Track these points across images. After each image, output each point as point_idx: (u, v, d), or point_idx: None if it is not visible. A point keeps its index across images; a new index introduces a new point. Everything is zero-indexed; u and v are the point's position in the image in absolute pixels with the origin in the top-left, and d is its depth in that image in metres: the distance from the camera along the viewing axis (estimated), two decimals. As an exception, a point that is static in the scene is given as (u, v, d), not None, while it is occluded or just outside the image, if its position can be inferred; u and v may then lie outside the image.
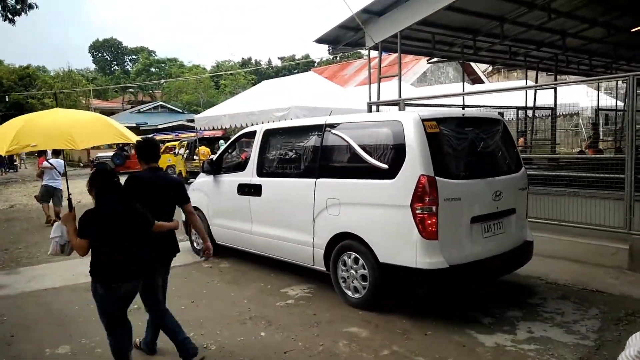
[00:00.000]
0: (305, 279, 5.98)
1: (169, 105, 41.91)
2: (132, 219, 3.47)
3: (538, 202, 6.89)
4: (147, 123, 36.25)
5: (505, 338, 4.17)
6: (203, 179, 7.39)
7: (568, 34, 11.23)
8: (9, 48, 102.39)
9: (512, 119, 13.23)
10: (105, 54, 79.33)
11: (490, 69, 30.48)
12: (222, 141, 21.49)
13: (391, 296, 4.94)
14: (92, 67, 72.35)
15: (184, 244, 9.21)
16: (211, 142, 22.90)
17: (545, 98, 13.23)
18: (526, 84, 13.94)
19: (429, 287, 4.59)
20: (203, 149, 20.36)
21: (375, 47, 9.35)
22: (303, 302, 5.23)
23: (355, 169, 5.07)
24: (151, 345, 4.20)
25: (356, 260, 4.96)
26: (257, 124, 10.27)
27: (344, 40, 10.04)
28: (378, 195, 4.76)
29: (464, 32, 10.46)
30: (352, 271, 5.01)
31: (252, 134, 6.57)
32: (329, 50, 10.20)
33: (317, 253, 5.40)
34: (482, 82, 27.94)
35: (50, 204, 10.94)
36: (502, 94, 12.01)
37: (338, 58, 46.27)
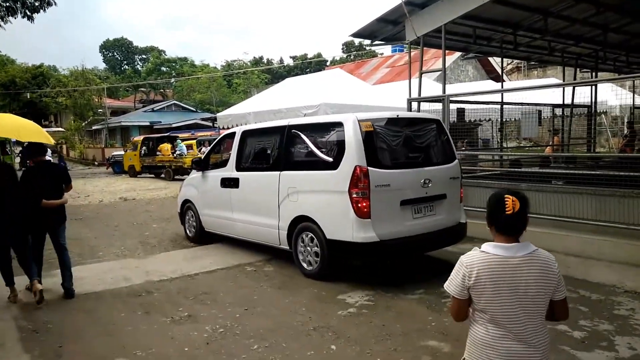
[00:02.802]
0: (361, 286, 5.62)
1: (182, 104, 41.67)
2: None
3: (603, 204, 6.48)
4: (160, 122, 36.03)
5: (607, 356, 3.76)
6: (193, 175, 8.44)
7: (609, 29, 10.79)
8: (18, 48, 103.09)
9: (548, 116, 12.80)
10: (115, 54, 79.35)
11: (509, 67, 30.01)
12: (178, 140, 23.04)
13: (337, 268, 5.91)
14: (102, 66, 72.33)
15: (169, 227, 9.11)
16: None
17: (569, 96, 12.66)
18: (564, 80, 13.48)
19: (363, 257, 5.88)
20: (165, 146, 22.34)
21: (416, 41, 8.97)
22: (366, 311, 4.85)
23: (309, 162, 6.12)
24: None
25: (311, 239, 5.92)
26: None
27: (382, 34, 9.68)
28: (325, 184, 5.76)
29: (504, 27, 10.07)
30: (308, 248, 5.99)
31: (233, 135, 7.53)
32: (367, 42, 9.80)
33: (281, 234, 6.38)
34: (503, 80, 27.44)
35: None
36: (534, 91, 11.61)
37: (352, 57, 45.91)
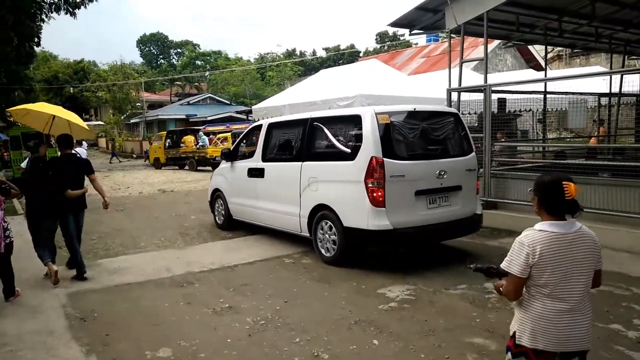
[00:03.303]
0: (401, 279, 5.54)
1: (217, 97, 42.17)
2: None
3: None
4: (196, 115, 36.57)
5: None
6: (222, 165, 8.81)
7: (662, 12, 10.21)
8: (60, 44, 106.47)
9: (591, 106, 12.28)
10: (152, 48, 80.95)
11: (550, 55, 28.96)
12: (201, 132, 24.20)
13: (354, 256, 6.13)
14: (139, 61, 73.92)
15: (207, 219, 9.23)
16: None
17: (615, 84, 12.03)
18: (611, 68, 12.90)
19: (377, 244, 6.02)
20: (189, 138, 23.12)
21: (456, 30, 8.73)
22: (408, 305, 4.77)
23: (329, 153, 6.35)
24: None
25: (330, 227, 6.18)
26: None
27: (421, 22, 9.48)
28: (343, 174, 6.01)
29: (548, 13, 9.68)
30: (327, 235, 6.25)
31: (260, 127, 7.86)
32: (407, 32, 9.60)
33: (302, 222, 6.63)
34: (543, 68, 26.52)
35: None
36: (577, 80, 11.11)
37: (386, 47, 45.38)
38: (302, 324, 4.40)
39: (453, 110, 6.85)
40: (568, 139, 16.94)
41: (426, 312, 4.59)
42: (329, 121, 6.54)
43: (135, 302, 5.15)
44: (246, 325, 4.42)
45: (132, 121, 42.97)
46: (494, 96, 8.92)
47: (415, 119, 6.06)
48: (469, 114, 11.42)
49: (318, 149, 6.58)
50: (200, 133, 23.94)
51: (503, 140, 9.46)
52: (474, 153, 6.47)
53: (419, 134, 5.99)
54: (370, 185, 5.61)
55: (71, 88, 45.78)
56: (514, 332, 2.43)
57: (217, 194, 8.82)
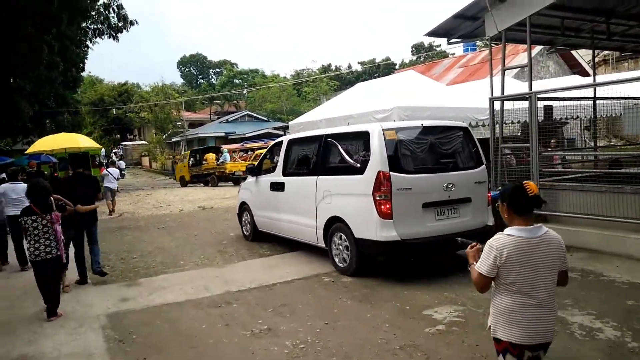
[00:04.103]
0: (447, 299, 5.25)
1: (254, 114, 42.74)
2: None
3: None
4: (235, 132, 37.11)
5: None
6: (248, 180, 9.21)
7: None
8: (104, 68, 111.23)
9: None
10: (191, 69, 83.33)
11: (595, 60, 27.84)
12: (223, 148, 25.75)
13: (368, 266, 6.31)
14: (179, 81, 76.13)
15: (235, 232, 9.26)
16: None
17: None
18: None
19: (386, 254, 6.23)
20: (210, 156, 24.31)
21: (497, 37, 8.41)
22: (457, 329, 4.48)
23: (341, 167, 6.62)
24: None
25: (343, 238, 6.43)
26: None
27: (459, 31, 9.21)
28: (353, 187, 6.27)
29: (595, 15, 9.21)
30: (340, 246, 6.51)
31: (281, 143, 8.22)
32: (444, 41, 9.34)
33: (319, 233, 6.89)
34: (588, 74, 25.51)
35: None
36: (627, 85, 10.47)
37: (422, 59, 44.97)
38: (344, 348, 4.18)
39: (462, 124, 6.99)
40: (618, 147, 16.10)
41: (477, 335, 4.27)
42: (341, 137, 6.82)
43: (174, 323, 5.07)
44: (285, 349, 4.24)
45: (173, 140, 44.07)
46: (540, 104, 8.50)
47: (423, 134, 6.29)
48: (512, 123, 11.00)
49: (332, 163, 6.88)
50: (223, 149, 25.06)
51: (550, 149, 8.99)
52: (484, 166, 6.61)
53: (427, 149, 6.21)
54: (377, 198, 5.86)
55: (115, 110, 47.50)
56: (489, 327, 2.73)
57: (244, 207, 9.24)
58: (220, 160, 23.87)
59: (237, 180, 22.39)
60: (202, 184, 24.32)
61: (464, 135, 6.57)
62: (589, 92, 9.98)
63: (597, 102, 10.21)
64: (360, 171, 6.14)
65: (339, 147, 6.68)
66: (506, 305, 2.61)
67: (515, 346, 2.59)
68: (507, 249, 2.53)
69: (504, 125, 8.86)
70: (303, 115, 16.38)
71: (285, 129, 23.58)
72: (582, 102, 10.15)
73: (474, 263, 2.69)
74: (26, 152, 19.29)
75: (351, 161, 6.40)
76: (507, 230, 2.62)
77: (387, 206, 5.81)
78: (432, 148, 6.25)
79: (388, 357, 3.97)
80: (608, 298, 5.09)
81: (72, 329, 5.03)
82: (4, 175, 11.20)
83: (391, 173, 5.84)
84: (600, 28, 9.75)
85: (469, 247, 2.82)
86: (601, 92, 10.24)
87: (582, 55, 26.67)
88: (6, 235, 8.23)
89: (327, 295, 5.70)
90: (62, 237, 5.57)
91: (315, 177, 6.99)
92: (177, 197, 18.96)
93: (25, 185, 7.54)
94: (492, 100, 8.49)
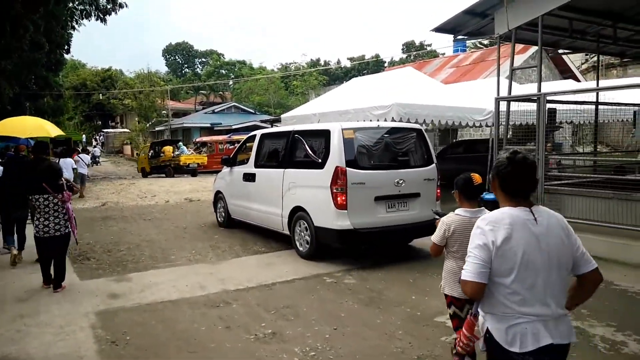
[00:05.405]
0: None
1: (241, 106, 42.11)
2: None
3: None
4: (221, 123, 36.50)
5: None
6: (224, 170, 9.73)
7: None
8: (88, 52, 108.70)
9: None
10: (177, 57, 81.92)
11: (584, 66, 28.06)
12: (180, 143, 26.74)
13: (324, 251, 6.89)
14: (164, 70, 74.65)
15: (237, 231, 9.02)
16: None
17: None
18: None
19: (341, 242, 6.66)
20: (168, 148, 25.33)
21: (505, 35, 8.21)
22: (474, 338, 4.23)
23: (305, 162, 7.15)
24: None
25: (304, 226, 7.00)
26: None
27: (466, 28, 8.99)
28: (315, 180, 6.83)
29: (603, 18, 9.08)
30: (302, 233, 7.08)
31: (254, 137, 8.76)
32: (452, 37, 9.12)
33: (284, 221, 7.47)
34: (578, 80, 25.67)
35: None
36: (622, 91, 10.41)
37: (412, 57, 44.84)
38: (358, 357, 3.92)
39: (416, 126, 7.63)
40: (605, 152, 16.14)
41: (497, 346, 4.04)
42: (307, 134, 7.38)
43: (170, 323, 4.73)
44: (295, 356, 3.95)
45: (157, 129, 43.21)
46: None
47: (379, 134, 6.91)
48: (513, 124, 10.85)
49: (297, 157, 7.41)
50: (180, 144, 26.41)
51: (554, 152, 8.85)
52: (434, 165, 7.18)
53: (381, 147, 6.84)
54: (334, 190, 6.45)
55: (100, 95, 46.33)
56: (440, 285, 3.43)
57: (219, 196, 9.84)
58: (177, 153, 24.95)
59: (193, 171, 24.10)
60: (164, 175, 24.74)
61: (417, 136, 7.17)
62: (597, 96, 9.87)
63: (584, 107, 10.08)
64: (321, 166, 6.73)
65: (304, 143, 7.19)
66: (451, 268, 3.30)
67: (458, 300, 3.24)
68: (454, 225, 3.23)
69: (499, 126, 8.64)
70: (296, 108, 16.01)
71: (273, 122, 23.25)
72: (578, 106, 10.03)
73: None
74: None
75: (314, 156, 6.94)
76: (456, 211, 3.28)
77: (343, 198, 6.41)
78: (387, 147, 6.88)
79: (406, 369, 3.71)
80: (625, 309, 4.93)
81: (59, 327, 4.64)
82: None
83: (347, 168, 6.43)
84: (607, 32, 9.64)
85: (439, 219, 3.41)
86: (601, 97, 10.17)
87: (573, 61, 26.87)
88: None
89: (331, 298, 5.42)
90: (73, 215, 5.96)
91: (283, 169, 7.53)
92: (162, 188, 18.44)
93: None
94: (497, 100, 8.29)
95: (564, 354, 2.15)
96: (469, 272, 2.11)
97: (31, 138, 14.46)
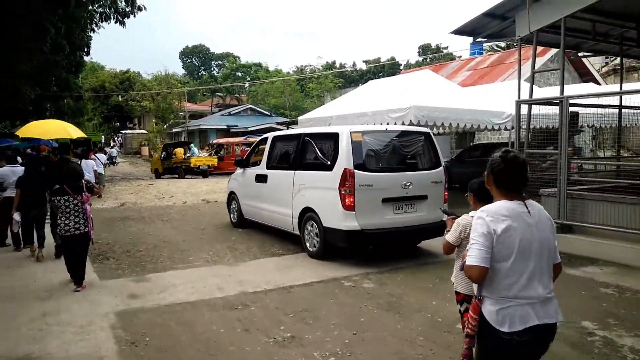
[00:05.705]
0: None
1: (257, 109, 42.28)
2: None
3: None
4: (237, 125, 36.68)
5: None
6: (237, 171, 9.94)
7: None
8: (106, 55, 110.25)
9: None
10: (194, 60, 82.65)
11: (604, 69, 27.62)
12: (192, 145, 27.72)
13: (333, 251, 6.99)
14: (181, 72, 75.32)
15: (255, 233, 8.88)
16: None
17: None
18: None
19: (348, 242, 6.78)
20: (179, 150, 25.84)
21: (527, 38, 8.09)
22: (497, 345, 4.15)
23: (314, 164, 7.31)
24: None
25: (314, 226, 7.13)
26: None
27: (486, 30, 8.88)
28: (324, 181, 6.95)
29: (626, 20, 8.91)
30: (312, 233, 7.23)
31: (266, 139, 9.00)
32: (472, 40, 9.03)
33: (294, 222, 7.61)
34: (598, 83, 25.25)
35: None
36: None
37: (429, 60, 44.62)
38: (379, 363, 3.86)
39: (425, 130, 7.69)
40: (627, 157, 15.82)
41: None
42: (316, 137, 7.56)
43: (189, 326, 4.72)
44: (314, 361, 3.91)
45: (174, 130, 43.59)
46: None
47: (387, 137, 7.05)
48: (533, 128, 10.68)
49: (307, 160, 7.57)
50: (192, 145, 27.21)
51: (576, 157, 8.69)
52: (441, 167, 7.26)
53: (389, 150, 6.98)
54: (342, 192, 6.58)
55: (119, 96, 46.88)
56: (453, 283, 3.49)
57: (232, 196, 10.04)
58: (188, 155, 25.43)
59: (204, 173, 24.39)
60: (176, 176, 25.02)
61: (425, 139, 7.28)
62: (615, 100, 9.67)
63: (607, 111, 9.87)
64: (329, 168, 6.87)
65: (314, 146, 7.37)
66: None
67: (470, 297, 3.11)
68: (469, 227, 3.01)
69: (520, 129, 8.50)
70: (313, 110, 16.03)
71: (289, 124, 23.31)
72: (600, 110, 9.83)
73: (448, 231, 3.43)
74: (18, 134, 18.13)
75: (323, 158, 7.11)
76: (471, 213, 3.25)
77: (351, 199, 6.54)
78: (394, 150, 7.01)
79: (429, 376, 3.65)
80: (653, 318, 4.79)
81: (79, 326, 4.68)
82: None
83: (355, 171, 6.56)
84: (630, 34, 9.46)
85: (449, 217, 3.50)
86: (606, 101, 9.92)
87: (593, 64, 26.42)
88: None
89: (350, 302, 5.37)
90: (91, 215, 6.13)
91: (293, 171, 7.68)
92: (180, 189, 18.55)
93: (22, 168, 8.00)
94: (518, 103, 8.17)
95: (552, 333, 2.39)
96: (474, 258, 2.29)
97: (52, 139, 14.75)
